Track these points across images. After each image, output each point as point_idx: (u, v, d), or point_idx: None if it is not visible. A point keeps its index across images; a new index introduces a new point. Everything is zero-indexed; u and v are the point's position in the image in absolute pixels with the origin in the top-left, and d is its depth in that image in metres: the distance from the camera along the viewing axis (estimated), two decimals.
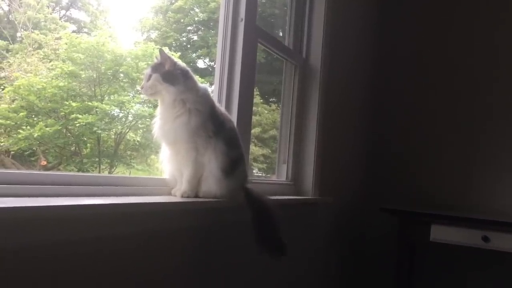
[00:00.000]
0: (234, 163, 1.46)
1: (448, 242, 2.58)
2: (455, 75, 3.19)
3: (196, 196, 1.44)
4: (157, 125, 1.46)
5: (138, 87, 4.64)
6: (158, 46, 5.08)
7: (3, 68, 3.94)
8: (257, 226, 1.48)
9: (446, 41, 3.25)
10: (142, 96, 4.73)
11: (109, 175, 3.58)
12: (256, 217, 1.49)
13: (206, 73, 5.78)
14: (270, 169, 5.14)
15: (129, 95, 4.60)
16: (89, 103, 4.12)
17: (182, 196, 1.41)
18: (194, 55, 5.92)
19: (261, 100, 5.40)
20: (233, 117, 1.78)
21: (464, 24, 3.21)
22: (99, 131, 4.18)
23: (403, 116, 3.32)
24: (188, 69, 1.47)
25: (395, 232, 2.77)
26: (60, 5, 4.97)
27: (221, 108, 1.58)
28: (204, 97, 1.45)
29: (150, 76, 1.41)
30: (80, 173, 3.90)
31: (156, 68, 1.42)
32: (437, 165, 3.18)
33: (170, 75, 1.40)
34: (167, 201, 1.33)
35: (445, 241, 2.58)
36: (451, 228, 2.56)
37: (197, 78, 1.50)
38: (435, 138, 3.20)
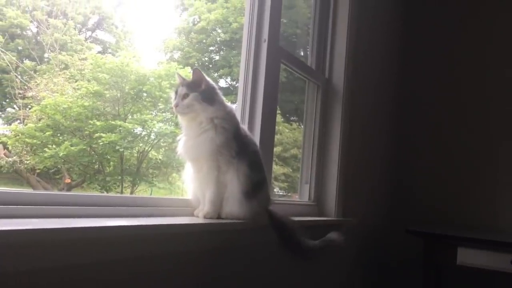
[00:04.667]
0: (257, 186, 1.43)
1: (475, 266, 2.49)
2: (483, 98, 3.13)
3: (219, 217, 1.42)
4: (181, 142, 1.45)
5: (161, 105, 4.73)
6: (181, 66, 5.17)
7: (31, 88, 4.05)
8: (284, 243, 1.52)
9: (470, 64, 3.20)
10: (164, 114, 4.80)
11: (133, 195, 3.61)
12: (282, 237, 1.51)
13: (228, 92, 5.83)
14: (291, 188, 5.11)
15: (151, 114, 4.67)
16: (113, 122, 4.19)
17: (205, 217, 1.39)
18: (216, 74, 5.99)
19: (282, 119, 5.40)
20: (256, 136, 1.77)
21: (483, 50, 3.16)
22: (122, 150, 4.25)
23: (429, 137, 3.26)
24: (215, 85, 1.47)
25: (421, 255, 2.69)
26: (86, 27, 5.11)
27: (246, 130, 1.56)
28: (231, 115, 1.45)
29: (186, 94, 1.40)
30: (104, 194, 3.95)
31: (191, 87, 1.41)
32: (464, 187, 3.09)
33: (208, 95, 1.40)
34: (190, 222, 1.31)
35: (472, 264, 2.49)
36: (479, 251, 2.47)
37: None
38: (461, 159, 3.13)
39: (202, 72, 1.43)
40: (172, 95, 1.46)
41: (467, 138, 3.13)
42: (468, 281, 2.93)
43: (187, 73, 4.27)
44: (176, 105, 1.41)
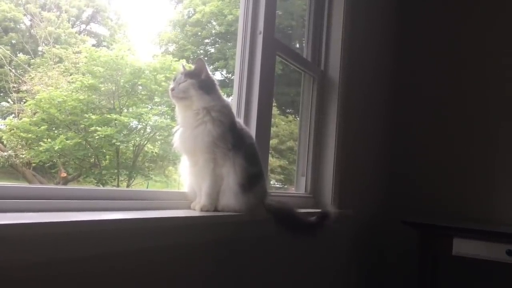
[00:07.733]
0: (253, 179, 1.45)
1: (471, 256, 2.50)
2: (478, 87, 3.14)
3: (215, 209, 1.43)
4: (177, 134, 1.46)
5: (157, 99, 4.71)
6: (176, 59, 5.15)
7: (25, 82, 4.02)
8: (290, 227, 1.55)
9: (465, 54, 3.20)
10: (160, 107, 4.78)
11: (129, 189, 3.60)
12: (280, 217, 1.54)
13: (224, 85, 5.81)
14: (287, 180, 5.11)
15: (147, 107, 4.65)
16: (108, 116, 4.18)
17: (201, 210, 1.40)
18: (211, 67, 5.96)
19: (278, 112, 5.39)
20: (252, 129, 1.77)
21: (478, 34, 3.16)
22: (118, 143, 4.23)
23: (425, 128, 3.27)
24: (215, 80, 1.49)
25: (417, 245, 2.71)
26: (80, 20, 5.07)
27: (242, 123, 1.58)
28: (228, 109, 1.46)
29: (184, 80, 1.43)
30: (100, 187, 3.95)
31: (191, 75, 1.44)
32: (459, 178, 3.11)
33: (205, 85, 1.43)
34: (187, 215, 1.31)
35: (468, 255, 2.51)
36: (474, 242, 2.49)
37: None
38: (457, 150, 3.14)
39: (205, 64, 1.45)
40: (172, 82, 1.48)
41: (463, 129, 3.14)
42: (463, 271, 2.95)
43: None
44: (172, 89, 1.43)
